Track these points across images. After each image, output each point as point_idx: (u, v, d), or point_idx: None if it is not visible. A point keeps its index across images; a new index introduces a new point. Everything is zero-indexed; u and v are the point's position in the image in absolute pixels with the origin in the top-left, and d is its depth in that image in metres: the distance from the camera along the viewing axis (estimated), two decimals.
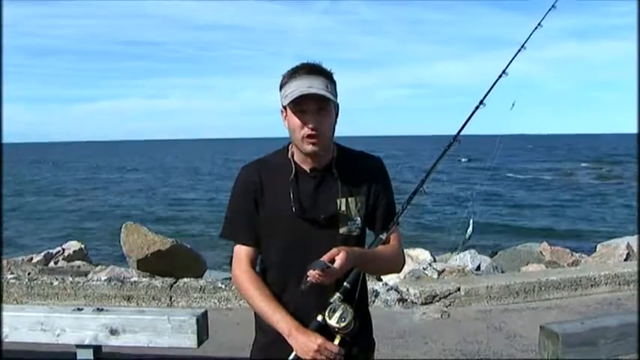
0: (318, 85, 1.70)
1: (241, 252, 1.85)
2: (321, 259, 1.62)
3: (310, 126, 1.71)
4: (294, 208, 1.77)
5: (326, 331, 1.68)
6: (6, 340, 2.34)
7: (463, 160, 45.93)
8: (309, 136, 1.72)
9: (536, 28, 2.02)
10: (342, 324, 1.66)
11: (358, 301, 1.74)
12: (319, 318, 1.69)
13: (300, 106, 1.71)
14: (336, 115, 1.80)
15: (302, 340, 1.67)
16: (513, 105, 2.01)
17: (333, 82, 1.76)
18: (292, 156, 1.83)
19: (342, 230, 1.79)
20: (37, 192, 31.61)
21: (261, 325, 1.83)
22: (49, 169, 56.56)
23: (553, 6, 2.06)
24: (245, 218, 1.83)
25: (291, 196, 1.78)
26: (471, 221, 2.20)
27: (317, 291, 1.67)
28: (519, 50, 1.99)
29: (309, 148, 1.74)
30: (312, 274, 1.61)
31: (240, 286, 1.83)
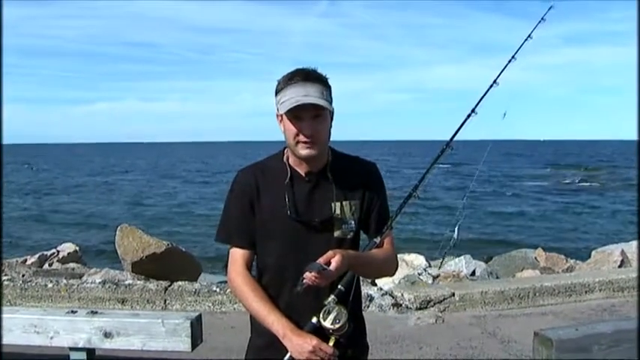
0: (314, 92, 1.71)
1: (237, 255, 1.85)
2: (317, 261, 1.63)
3: (306, 133, 1.73)
4: (289, 212, 1.78)
5: (321, 333, 1.69)
6: None
7: (443, 165, 44.58)
8: (304, 142, 1.74)
9: (526, 40, 2.05)
10: (337, 325, 1.67)
11: (352, 303, 1.75)
12: (314, 320, 1.70)
13: (295, 113, 1.72)
14: (331, 118, 1.81)
15: (296, 342, 1.68)
16: (505, 115, 2.03)
17: (329, 88, 1.77)
18: (288, 160, 1.85)
19: (336, 233, 1.81)
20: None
21: (257, 327, 1.84)
22: (25, 171, 54.97)
23: (542, 19, 2.08)
24: (241, 221, 1.84)
25: (287, 199, 1.79)
26: (457, 228, 2.20)
27: (312, 293, 1.68)
28: (509, 61, 2.02)
29: (304, 152, 1.75)
30: (309, 276, 1.62)
31: (236, 288, 1.84)
